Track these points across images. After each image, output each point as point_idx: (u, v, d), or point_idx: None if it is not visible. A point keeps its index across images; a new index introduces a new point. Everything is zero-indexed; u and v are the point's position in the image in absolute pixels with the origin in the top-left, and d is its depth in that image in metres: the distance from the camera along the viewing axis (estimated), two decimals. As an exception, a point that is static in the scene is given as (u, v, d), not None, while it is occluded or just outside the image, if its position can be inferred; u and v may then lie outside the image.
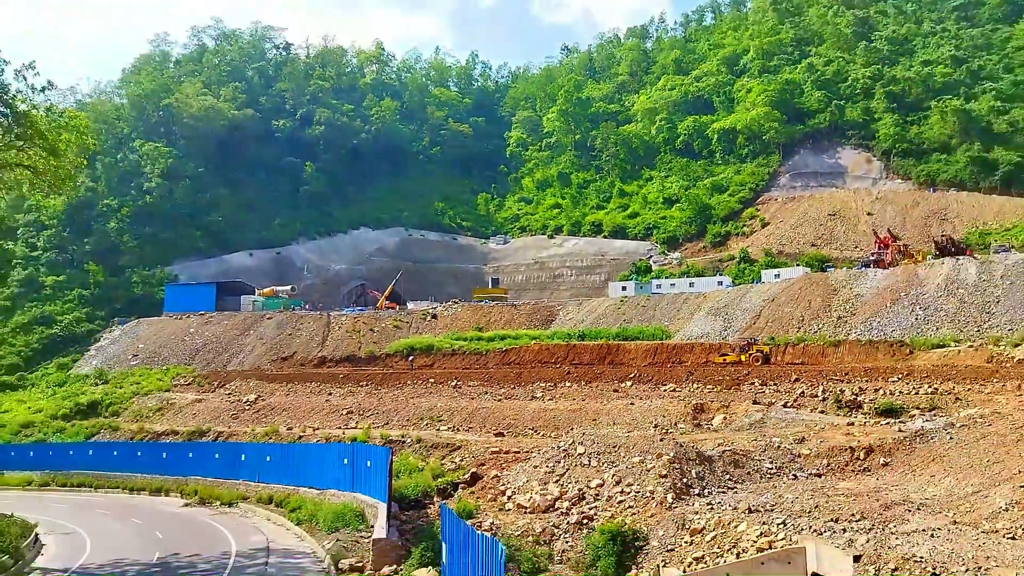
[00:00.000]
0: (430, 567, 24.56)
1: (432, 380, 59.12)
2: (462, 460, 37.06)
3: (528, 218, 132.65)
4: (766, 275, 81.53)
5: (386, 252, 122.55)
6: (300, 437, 47.29)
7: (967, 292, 58.38)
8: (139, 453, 52.68)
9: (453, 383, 57.37)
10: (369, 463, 32.90)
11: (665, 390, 49.47)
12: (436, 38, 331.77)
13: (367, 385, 60.30)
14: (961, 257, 65.62)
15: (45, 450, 58.18)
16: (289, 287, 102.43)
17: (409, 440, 41.93)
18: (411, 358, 70.54)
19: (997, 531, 20.70)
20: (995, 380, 40.62)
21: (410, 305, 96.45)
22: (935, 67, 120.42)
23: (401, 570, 25.20)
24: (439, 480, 34.41)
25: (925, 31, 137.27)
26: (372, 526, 28.92)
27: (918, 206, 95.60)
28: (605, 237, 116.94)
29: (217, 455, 46.53)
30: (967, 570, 17.00)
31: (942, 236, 75.84)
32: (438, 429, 46.41)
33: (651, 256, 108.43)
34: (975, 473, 25.38)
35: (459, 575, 19.22)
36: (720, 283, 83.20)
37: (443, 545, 21.83)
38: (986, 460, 26.13)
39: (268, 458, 41.77)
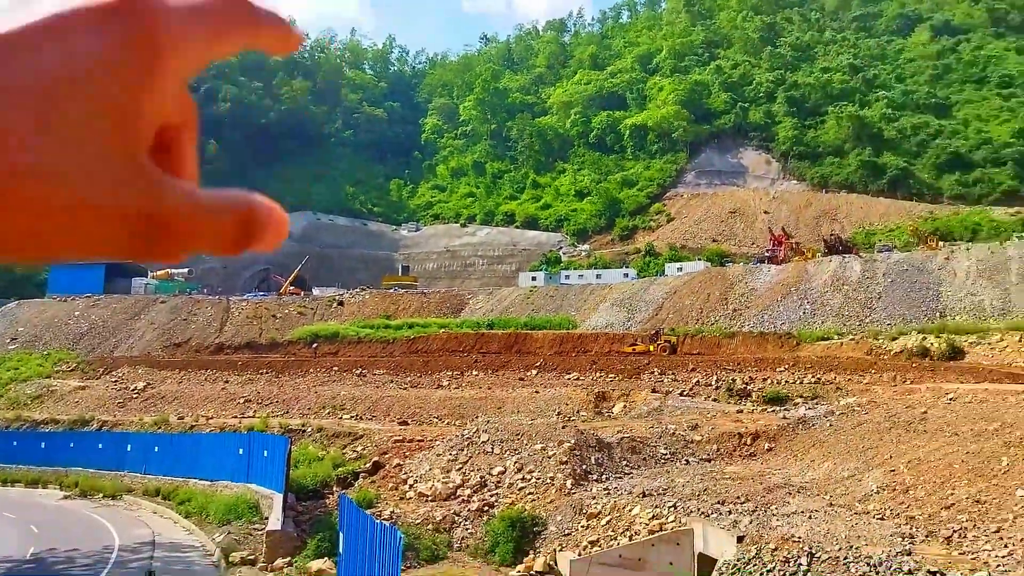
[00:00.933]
0: (327, 558, 24.15)
1: (336, 368, 57.89)
2: (364, 449, 36.49)
3: (441, 206, 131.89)
4: (669, 268, 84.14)
5: (293, 236, 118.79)
6: (192, 427, 45.33)
7: (851, 288, 62.14)
8: (14, 443, 49.21)
9: (358, 371, 56.39)
10: (266, 453, 31.98)
11: (569, 378, 50.28)
12: (353, 19, 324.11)
13: (267, 373, 58.45)
14: (847, 255, 69.71)
15: (-94, 440, 53.47)
16: (186, 270, 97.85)
17: (310, 429, 40.94)
18: (315, 345, 68.81)
19: (868, 512, 22.06)
20: (873, 371, 43.36)
21: (316, 291, 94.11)
22: (834, 74, 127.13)
23: (296, 562, 24.67)
24: (340, 470, 33.77)
25: (827, 39, 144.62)
26: (267, 518, 28.16)
27: (811, 206, 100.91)
28: (517, 227, 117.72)
29: (101, 445, 44.07)
30: (840, 548, 18.00)
31: (831, 235, 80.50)
32: (340, 418, 45.51)
33: (561, 247, 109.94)
34: (851, 458, 27.01)
35: (356, 564, 18.95)
36: (626, 275, 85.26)
37: (341, 535, 21.47)
38: (861, 446, 27.85)
39: (156, 448, 39.92)
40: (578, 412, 41.96)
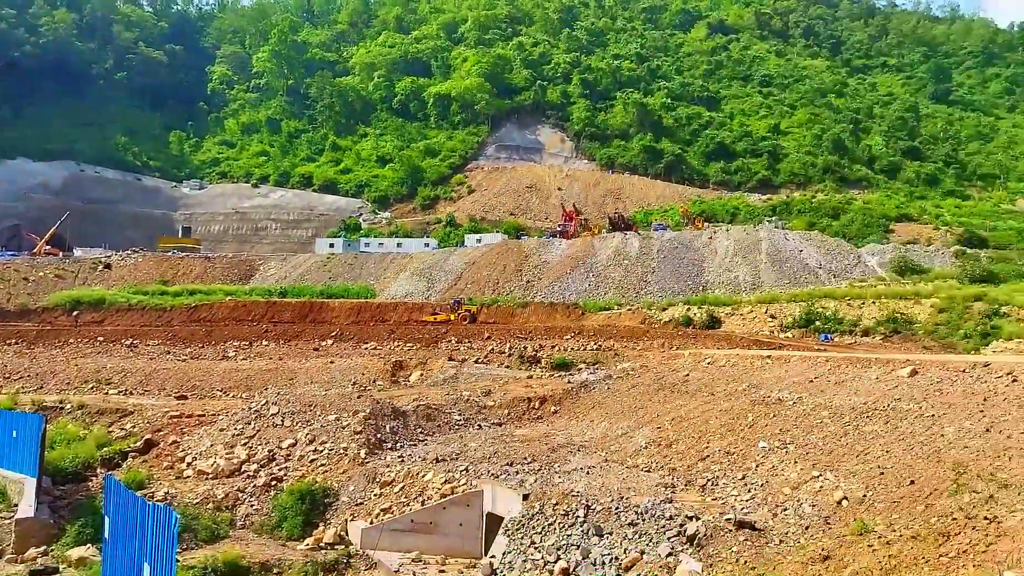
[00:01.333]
0: (90, 544, 21.95)
1: (102, 338, 52.16)
2: (134, 427, 33.32)
3: (230, 164, 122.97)
4: (469, 239, 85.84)
5: (51, 189, 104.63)
6: (-81, 406, 38.68)
7: (631, 263, 67.55)
8: None
9: (128, 342, 51.33)
10: (15, 433, 28.10)
11: (366, 348, 49.67)
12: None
13: (16, 343, 51.24)
14: (628, 232, 75.63)
15: None
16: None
17: (69, 406, 36.53)
18: (76, 313, 61.46)
19: (638, 466, 24.15)
20: (646, 339, 47.52)
21: (78, 252, 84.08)
22: (623, 61, 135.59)
23: (53, 550, 22.15)
24: (105, 449, 30.52)
25: (618, 27, 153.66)
26: (16, 505, 24.90)
27: (599, 185, 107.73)
28: (315, 191, 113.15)
29: None
30: (612, 500, 19.51)
31: (615, 213, 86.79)
32: (107, 393, 41.17)
33: (362, 214, 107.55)
34: (625, 417, 29.45)
35: (125, 549, 17.35)
36: (427, 245, 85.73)
37: (106, 519, 19.55)
38: (634, 406, 30.47)
39: None
40: (375, 382, 41.65)
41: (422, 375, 42.26)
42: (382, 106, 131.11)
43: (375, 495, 25.24)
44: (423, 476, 25.01)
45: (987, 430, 16.86)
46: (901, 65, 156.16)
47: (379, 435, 29.74)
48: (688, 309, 55.83)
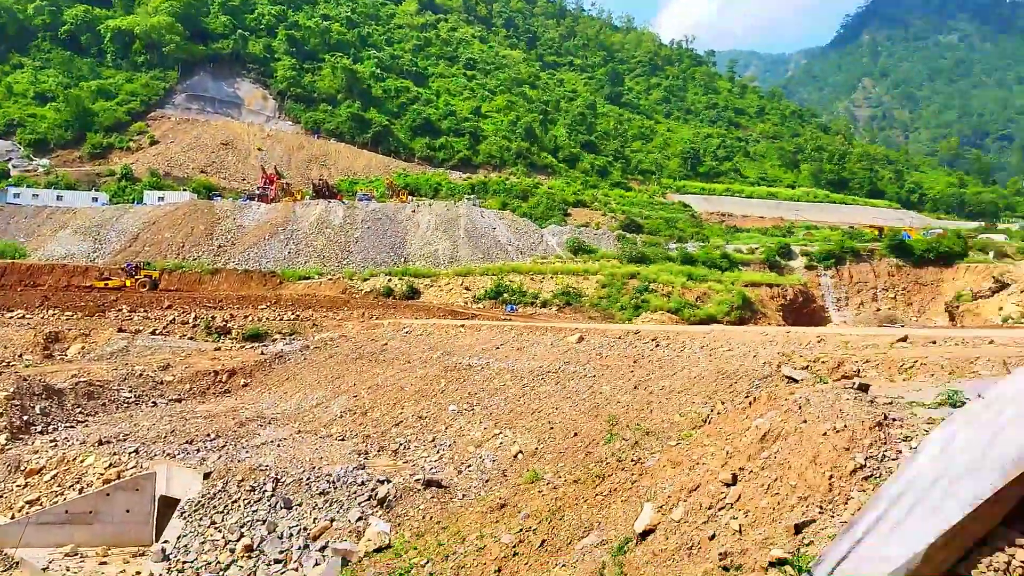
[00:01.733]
0: None
1: None
2: None
3: None
4: (149, 196, 76.98)
5: None
6: None
7: (334, 232, 66.33)
8: None
9: None
10: None
11: (11, 317, 42.03)
12: None
13: None
14: (332, 200, 74.05)
15: None
16: None
17: None
18: None
19: (332, 435, 23.95)
20: (346, 309, 47.19)
21: None
22: (332, 24, 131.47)
23: None
24: None
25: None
26: None
27: (303, 149, 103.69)
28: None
29: None
30: (303, 471, 19.11)
31: (319, 180, 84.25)
32: None
33: (11, 159, 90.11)
34: (320, 388, 28.95)
35: None
36: (95, 200, 75.04)
37: None
38: (330, 376, 30.07)
39: None
40: (21, 356, 35.48)
41: (83, 348, 37.00)
42: (44, 34, 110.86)
43: (19, 486, 21.77)
44: (81, 461, 22.07)
45: (635, 387, 19.68)
46: (584, 66, 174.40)
47: (26, 417, 25.66)
48: (389, 280, 56.61)
